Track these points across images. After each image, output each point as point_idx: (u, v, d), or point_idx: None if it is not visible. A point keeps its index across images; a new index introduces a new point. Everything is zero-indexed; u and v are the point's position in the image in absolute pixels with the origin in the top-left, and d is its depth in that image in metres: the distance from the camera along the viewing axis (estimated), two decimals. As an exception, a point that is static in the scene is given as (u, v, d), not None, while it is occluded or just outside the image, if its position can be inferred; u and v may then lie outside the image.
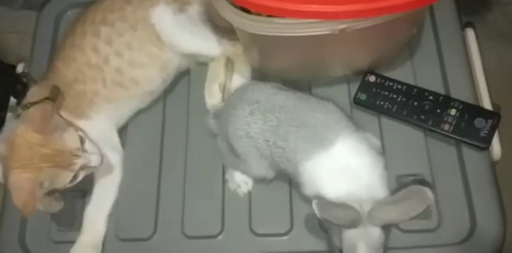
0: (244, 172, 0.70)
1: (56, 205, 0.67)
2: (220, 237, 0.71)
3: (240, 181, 0.72)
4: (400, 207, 0.56)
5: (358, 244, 0.55)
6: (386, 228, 0.58)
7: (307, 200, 0.60)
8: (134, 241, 0.72)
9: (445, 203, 0.68)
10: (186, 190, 0.73)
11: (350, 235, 0.56)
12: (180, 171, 0.75)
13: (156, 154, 0.77)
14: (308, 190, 0.62)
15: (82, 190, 0.74)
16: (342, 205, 0.57)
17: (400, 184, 0.69)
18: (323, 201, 0.58)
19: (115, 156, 0.75)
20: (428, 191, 0.55)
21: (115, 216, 0.73)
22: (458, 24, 0.78)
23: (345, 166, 0.59)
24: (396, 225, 0.67)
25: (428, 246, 0.66)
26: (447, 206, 0.68)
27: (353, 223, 0.56)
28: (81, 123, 0.72)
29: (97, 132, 0.73)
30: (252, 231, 0.70)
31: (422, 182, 0.68)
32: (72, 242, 0.70)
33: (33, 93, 0.71)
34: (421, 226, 0.67)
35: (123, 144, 0.78)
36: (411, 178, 0.69)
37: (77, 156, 0.64)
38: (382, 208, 0.56)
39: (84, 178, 0.71)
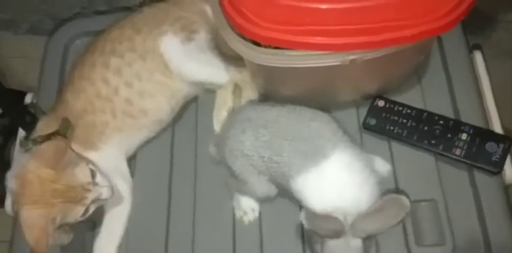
0: (247, 194, 0.69)
1: (66, 238, 0.67)
2: (232, 268, 0.70)
3: (247, 208, 0.71)
4: (380, 217, 0.57)
5: None
6: (368, 239, 0.58)
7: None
8: (145, 272, 0.71)
9: (458, 228, 0.67)
10: (195, 220, 0.73)
11: (332, 245, 0.57)
12: (189, 199, 0.74)
13: (165, 183, 0.76)
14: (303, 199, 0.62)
15: (91, 221, 0.74)
16: (326, 217, 0.57)
17: (412, 210, 0.69)
18: (310, 212, 0.59)
19: (125, 186, 0.75)
20: (404, 199, 0.57)
21: (125, 247, 0.73)
22: (465, 47, 0.78)
23: (335, 181, 0.60)
24: (410, 252, 0.67)
25: (443, 273, 0.66)
26: (461, 231, 0.67)
27: (336, 234, 0.57)
28: (91, 155, 0.72)
29: (107, 162, 0.73)
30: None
31: (398, 191, 0.69)
32: (83, 274, 0.70)
33: (43, 125, 0.72)
34: (436, 252, 0.66)
35: (132, 173, 0.78)
36: (423, 203, 0.69)
37: (89, 190, 0.64)
38: (364, 220, 0.57)
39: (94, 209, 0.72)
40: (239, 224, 0.72)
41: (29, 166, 0.63)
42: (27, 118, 0.77)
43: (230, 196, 0.73)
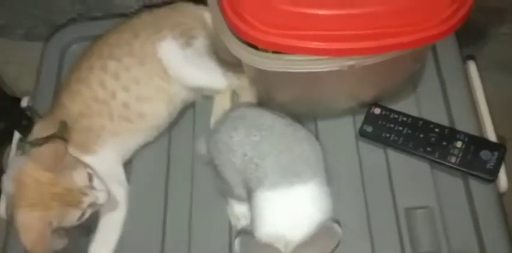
0: (227, 194, 0.69)
1: (60, 242, 0.66)
2: (228, 273, 0.70)
3: (239, 214, 0.71)
4: (315, 246, 0.56)
5: None
6: None
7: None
8: (140, 278, 0.71)
9: (453, 235, 0.68)
10: (192, 225, 0.72)
11: None
12: (185, 205, 0.74)
13: (161, 189, 0.76)
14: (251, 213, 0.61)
15: (86, 227, 0.73)
16: (266, 246, 0.56)
17: (408, 218, 0.69)
18: (248, 238, 0.57)
19: (121, 191, 0.74)
20: (336, 227, 0.57)
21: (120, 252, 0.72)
22: (459, 57, 0.80)
23: (294, 210, 0.58)
24: (406, 259, 0.67)
25: (439, 280, 0.66)
26: (456, 238, 0.67)
27: None
28: (88, 158, 0.71)
29: (103, 166, 0.73)
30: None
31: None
32: (76, 280, 0.69)
33: (40, 128, 0.71)
34: (431, 260, 0.67)
35: (128, 178, 0.77)
36: (419, 210, 0.69)
37: (86, 194, 0.63)
38: (300, 250, 0.56)
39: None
40: (235, 230, 0.71)
41: (26, 168, 0.62)
42: (24, 121, 0.76)
43: (226, 202, 0.73)
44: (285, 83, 0.68)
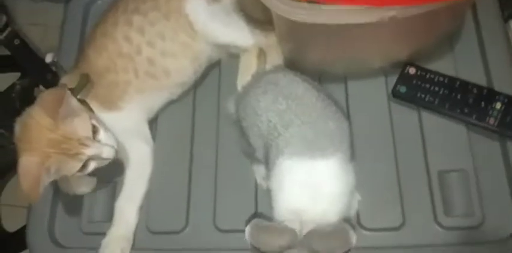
0: (250, 155, 0.68)
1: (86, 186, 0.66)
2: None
3: (264, 173, 0.69)
4: (325, 243, 0.54)
5: None
6: None
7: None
8: (166, 234, 0.70)
9: (488, 199, 0.66)
10: (217, 183, 0.72)
11: None
12: (211, 163, 0.73)
13: (187, 147, 0.75)
14: (272, 182, 0.59)
15: (113, 182, 0.73)
16: (279, 229, 0.54)
17: (441, 181, 0.67)
18: (259, 226, 0.55)
19: (146, 148, 0.74)
20: (351, 235, 0.54)
21: (146, 209, 0.72)
22: (500, 17, 0.75)
23: (315, 184, 0.57)
24: (438, 222, 0.65)
25: (471, 243, 0.64)
26: (490, 202, 0.66)
27: (284, 249, 0.53)
28: (112, 115, 0.70)
29: (128, 123, 0.72)
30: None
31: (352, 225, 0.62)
32: (103, 234, 0.69)
33: (65, 82, 0.70)
34: (464, 224, 0.65)
35: (153, 136, 0.76)
36: (453, 173, 0.67)
37: (86, 145, 0.61)
38: (312, 238, 0.54)
39: (116, 169, 0.70)
40: (261, 187, 0.70)
41: (32, 111, 0.61)
42: (49, 75, 0.75)
43: (252, 161, 0.71)
44: (317, 39, 0.65)
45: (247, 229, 0.55)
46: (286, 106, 0.60)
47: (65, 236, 0.73)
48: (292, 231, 0.54)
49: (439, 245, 0.64)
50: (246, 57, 0.77)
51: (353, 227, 0.55)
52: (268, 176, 0.61)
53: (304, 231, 0.54)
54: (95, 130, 0.63)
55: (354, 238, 0.54)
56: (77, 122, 0.61)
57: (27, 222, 0.74)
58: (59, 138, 0.60)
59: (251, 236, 0.54)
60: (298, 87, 0.62)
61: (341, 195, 0.57)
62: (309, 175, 0.57)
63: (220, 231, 0.69)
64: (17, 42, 0.89)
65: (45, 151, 0.59)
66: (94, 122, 0.64)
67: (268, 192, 0.68)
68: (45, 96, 0.62)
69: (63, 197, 0.75)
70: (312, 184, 0.56)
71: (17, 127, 0.62)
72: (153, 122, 0.77)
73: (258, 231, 0.55)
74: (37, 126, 0.60)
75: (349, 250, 0.53)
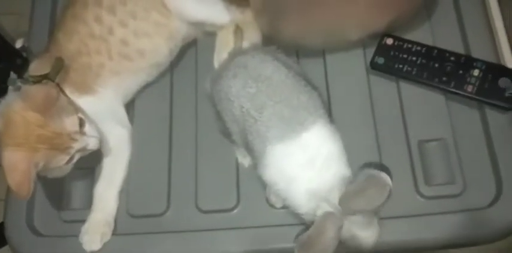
0: (227, 136, 0.66)
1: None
2: (236, 210, 0.68)
3: (245, 152, 0.68)
4: (364, 198, 0.53)
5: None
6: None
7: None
8: (147, 218, 0.69)
9: (469, 167, 0.66)
10: (198, 164, 0.71)
11: None
12: (191, 144, 0.72)
13: (166, 129, 0.74)
14: (268, 173, 0.58)
15: (91, 168, 0.72)
16: (318, 228, 0.53)
17: (421, 150, 0.67)
18: (301, 240, 0.54)
19: (123, 131, 0.73)
20: (384, 176, 0.53)
21: (126, 193, 0.71)
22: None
23: (313, 156, 0.56)
24: (419, 192, 0.65)
25: (453, 211, 0.64)
26: (471, 170, 0.66)
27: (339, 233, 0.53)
28: (87, 99, 0.69)
29: (104, 107, 0.71)
30: (269, 203, 0.68)
31: (377, 166, 0.65)
32: (82, 221, 0.68)
33: (35, 67, 0.68)
34: (446, 192, 0.65)
35: (131, 119, 0.75)
36: (432, 142, 0.67)
37: (75, 139, 0.61)
38: (349, 201, 0.54)
39: (92, 155, 0.69)
40: (243, 166, 0.70)
41: (15, 106, 0.59)
42: (19, 61, 0.73)
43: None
44: (292, 8, 0.64)
45: (297, 245, 0.54)
46: (256, 89, 0.58)
47: (45, 225, 0.72)
48: (327, 217, 0.53)
49: (421, 215, 0.64)
50: (222, 34, 0.76)
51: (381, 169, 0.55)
52: (258, 166, 0.59)
53: (336, 203, 0.54)
54: (81, 124, 0.63)
55: (388, 179, 0.53)
56: (65, 117, 0.61)
57: (5, 213, 0.73)
58: (49, 134, 0.59)
59: (301, 248, 0.53)
60: (267, 67, 0.60)
61: (340, 151, 0.58)
62: (303, 151, 0.56)
63: (203, 211, 0.69)
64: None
65: (34, 147, 0.58)
66: (80, 115, 0.64)
67: (249, 171, 0.69)
68: (34, 93, 0.60)
69: (40, 186, 0.73)
70: (310, 158, 0.56)
71: None
72: (130, 105, 0.76)
73: (306, 248, 0.54)
74: (23, 121, 0.59)
75: (390, 194, 0.53)
